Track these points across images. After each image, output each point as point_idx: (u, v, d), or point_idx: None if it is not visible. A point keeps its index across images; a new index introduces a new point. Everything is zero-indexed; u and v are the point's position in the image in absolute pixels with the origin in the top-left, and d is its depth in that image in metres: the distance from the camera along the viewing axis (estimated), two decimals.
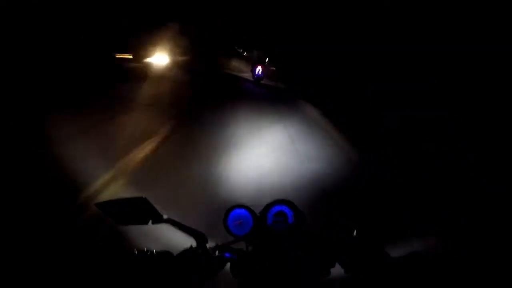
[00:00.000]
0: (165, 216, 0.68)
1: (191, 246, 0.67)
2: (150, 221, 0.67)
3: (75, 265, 1.57)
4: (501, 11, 2.95)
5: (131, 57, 8.93)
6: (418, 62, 4.20)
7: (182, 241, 0.69)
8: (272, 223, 0.74)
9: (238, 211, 0.75)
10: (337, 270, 0.67)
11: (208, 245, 0.69)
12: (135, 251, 0.62)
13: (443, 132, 3.24)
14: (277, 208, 0.76)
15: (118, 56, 8.42)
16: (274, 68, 13.42)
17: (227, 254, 0.68)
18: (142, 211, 0.66)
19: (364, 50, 6.14)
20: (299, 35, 11.44)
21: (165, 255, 0.63)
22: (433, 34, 4.03)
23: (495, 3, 3.08)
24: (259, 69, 11.53)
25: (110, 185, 2.71)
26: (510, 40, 2.77)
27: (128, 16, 8.36)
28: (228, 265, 0.69)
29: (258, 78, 11.49)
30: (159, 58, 9.26)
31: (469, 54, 3.18)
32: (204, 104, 6.12)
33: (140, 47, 8.85)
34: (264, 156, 3.77)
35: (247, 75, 12.61)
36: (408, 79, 4.40)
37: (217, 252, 0.68)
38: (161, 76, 7.93)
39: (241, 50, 16.89)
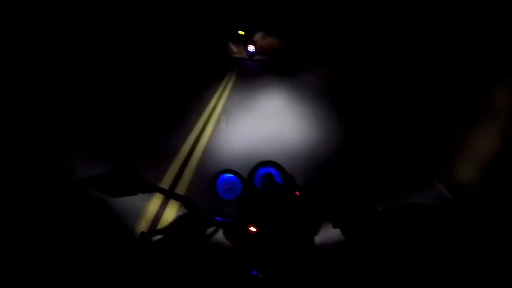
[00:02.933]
0: (153, 185, 0.69)
1: (183, 213, 0.68)
2: (140, 191, 0.68)
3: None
4: (501, 11, 2.81)
5: None
6: (419, 62, 4.12)
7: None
8: (260, 185, 0.74)
9: (226, 176, 0.75)
10: (326, 228, 0.67)
11: (199, 211, 0.69)
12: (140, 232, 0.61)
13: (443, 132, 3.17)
14: (264, 170, 0.76)
15: None
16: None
17: (218, 218, 0.68)
18: (131, 182, 0.68)
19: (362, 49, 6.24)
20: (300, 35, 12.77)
21: (159, 230, 0.63)
22: (433, 34, 3.96)
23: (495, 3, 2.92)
24: (251, 48, 16.95)
25: None
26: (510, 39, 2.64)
27: None
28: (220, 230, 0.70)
29: (251, 54, 16.83)
30: None
31: (468, 54, 3.07)
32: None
33: None
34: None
35: (243, 55, 18.06)
36: (408, 79, 4.32)
37: (208, 217, 0.69)
38: None
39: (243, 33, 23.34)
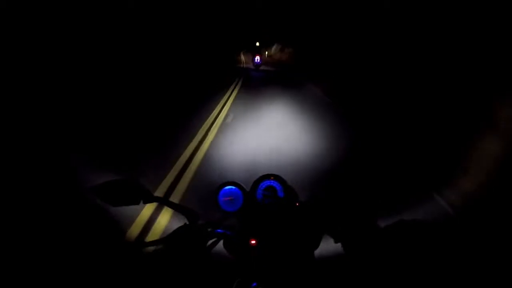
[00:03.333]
0: (155, 196, 0.70)
1: (184, 224, 0.68)
2: (142, 201, 0.69)
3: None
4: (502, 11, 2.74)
5: None
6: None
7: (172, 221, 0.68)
8: (262, 198, 0.75)
9: (228, 188, 0.76)
10: (327, 242, 0.66)
11: (200, 222, 0.70)
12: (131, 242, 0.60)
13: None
14: (266, 183, 0.76)
15: None
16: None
17: (219, 230, 0.68)
18: (133, 192, 0.68)
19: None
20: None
21: (159, 241, 0.64)
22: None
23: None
24: (257, 58, 17.97)
25: None
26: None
27: None
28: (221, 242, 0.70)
29: (257, 65, 17.86)
30: None
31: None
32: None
33: None
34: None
35: (250, 65, 19.39)
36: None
37: (209, 229, 0.69)
38: None
39: (258, 44, 25.43)
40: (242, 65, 20.77)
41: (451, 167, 2.88)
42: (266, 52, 23.11)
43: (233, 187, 0.76)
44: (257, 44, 25.84)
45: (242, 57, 26.15)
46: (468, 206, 2.35)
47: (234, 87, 8.88)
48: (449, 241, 0.60)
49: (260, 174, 0.79)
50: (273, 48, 22.88)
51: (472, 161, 2.74)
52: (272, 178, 0.77)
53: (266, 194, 0.75)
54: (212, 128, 4.39)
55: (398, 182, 2.88)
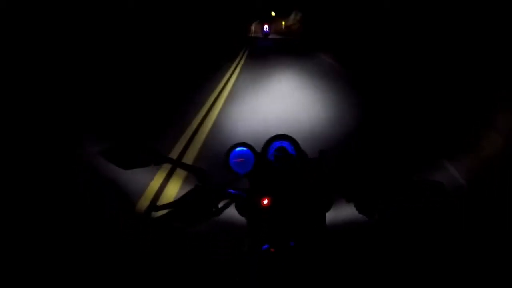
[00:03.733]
0: (165, 157, 0.70)
1: (195, 185, 0.68)
2: (153, 163, 0.69)
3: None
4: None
5: None
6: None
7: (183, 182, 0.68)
8: (274, 159, 0.74)
9: (239, 149, 0.75)
10: (339, 202, 0.66)
11: (211, 184, 0.69)
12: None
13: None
14: (277, 143, 0.75)
15: None
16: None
17: (230, 190, 0.68)
18: (144, 154, 0.69)
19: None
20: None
21: (171, 203, 0.64)
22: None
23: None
24: (266, 27, 18.18)
25: None
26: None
27: None
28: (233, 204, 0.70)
29: (266, 33, 18.02)
30: None
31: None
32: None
33: None
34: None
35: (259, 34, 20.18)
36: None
37: (221, 190, 0.69)
38: None
39: (274, 14, 27.78)
40: (251, 35, 21.16)
41: (462, 136, 2.83)
42: (283, 23, 22.47)
43: (244, 148, 0.75)
44: (273, 14, 25.64)
45: (253, 27, 25.96)
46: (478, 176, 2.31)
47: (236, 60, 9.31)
48: (457, 209, 0.54)
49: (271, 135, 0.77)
50: (291, 18, 22.01)
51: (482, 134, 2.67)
52: (283, 138, 0.76)
53: (277, 154, 0.74)
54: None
55: (408, 149, 2.87)
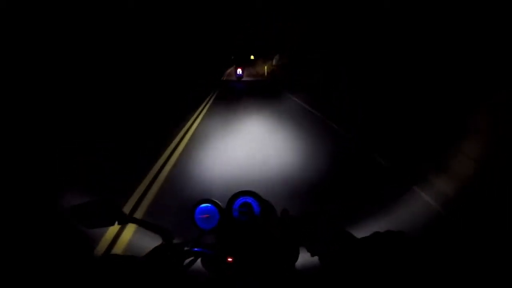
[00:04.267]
0: (130, 216, 0.70)
1: (160, 244, 0.69)
2: (116, 222, 0.68)
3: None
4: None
5: None
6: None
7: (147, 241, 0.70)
8: (238, 215, 0.75)
9: (204, 206, 0.76)
10: (304, 255, 0.67)
11: (175, 241, 0.70)
12: (99, 255, 0.60)
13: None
14: (241, 200, 0.76)
15: None
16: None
17: (196, 249, 0.68)
18: (108, 213, 0.68)
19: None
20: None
21: (132, 258, 0.62)
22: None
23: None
24: (239, 70, 19.39)
25: None
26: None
27: None
28: (199, 260, 0.70)
29: (239, 76, 19.37)
30: None
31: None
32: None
33: None
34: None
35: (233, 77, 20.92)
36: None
37: (186, 248, 0.68)
38: None
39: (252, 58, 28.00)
40: (223, 78, 21.95)
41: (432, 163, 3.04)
42: (266, 67, 22.31)
43: (209, 204, 0.76)
44: (252, 57, 26.21)
45: (228, 71, 26.16)
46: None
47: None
48: (434, 250, 0.54)
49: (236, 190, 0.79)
50: (274, 60, 21.89)
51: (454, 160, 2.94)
52: (247, 194, 0.77)
53: (242, 210, 0.75)
54: None
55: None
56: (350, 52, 7.47)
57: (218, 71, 23.45)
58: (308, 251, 0.65)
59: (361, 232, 0.63)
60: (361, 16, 6.83)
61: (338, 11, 8.50)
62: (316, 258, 0.63)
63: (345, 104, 6.63)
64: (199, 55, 16.64)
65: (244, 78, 19.54)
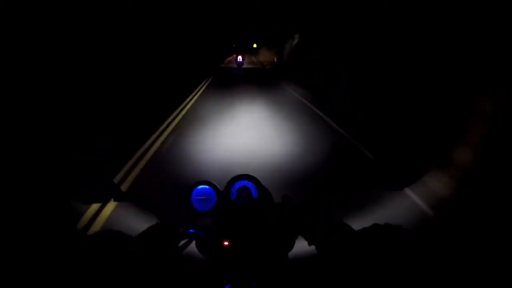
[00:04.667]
0: (126, 193, 0.69)
1: (156, 223, 0.67)
2: (113, 199, 0.67)
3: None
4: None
5: None
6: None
7: (142, 220, 0.69)
8: (236, 198, 0.74)
9: (201, 187, 0.74)
10: (301, 244, 0.66)
11: (172, 222, 0.68)
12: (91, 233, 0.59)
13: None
14: (240, 183, 0.75)
15: None
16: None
17: (191, 230, 0.67)
18: (104, 190, 0.67)
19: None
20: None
21: (125, 237, 0.61)
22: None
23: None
24: (239, 58, 19.80)
25: None
26: None
27: None
28: (194, 242, 0.69)
29: (239, 64, 19.73)
30: None
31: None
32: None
33: None
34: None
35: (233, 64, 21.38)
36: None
37: (181, 229, 0.67)
38: None
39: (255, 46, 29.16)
40: (223, 65, 22.50)
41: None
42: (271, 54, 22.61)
43: (207, 186, 0.75)
44: (254, 46, 26.57)
45: (229, 58, 26.51)
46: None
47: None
48: (422, 242, 0.55)
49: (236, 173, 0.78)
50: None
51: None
52: (246, 178, 0.76)
53: (240, 194, 0.75)
54: None
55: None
56: (350, 52, 7.48)
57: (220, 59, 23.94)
58: (305, 240, 0.65)
59: (359, 224, 0.63)
60: (361, 16, 6.84)
61: (338, 11, 8.52)
62: (312, 247, 0.63)
63: (345, 104, 6.64)
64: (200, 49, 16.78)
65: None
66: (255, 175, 0.77)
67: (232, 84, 11.74)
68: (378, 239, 0.57)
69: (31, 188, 2.04)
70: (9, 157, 2.52)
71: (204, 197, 0.74)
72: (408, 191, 2.67)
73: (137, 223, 0.77)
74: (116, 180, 2.88)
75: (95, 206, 2.12)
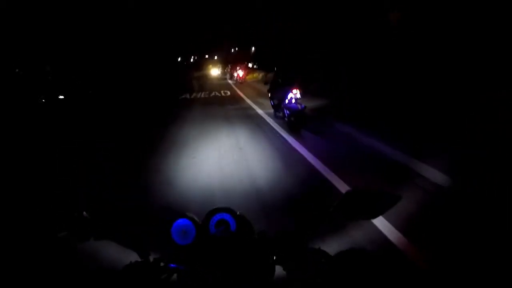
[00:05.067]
0: (107, 227, 0.70)
1: (135, 261, 0.68)
2: (92, 237, 0.68)
3: None
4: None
5: None
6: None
7: (123, 257, 0.69)
8: (215, 232, 0.75)
9: (181, 220, 0.76)
10: (279, 272, 0.68)
11: (151, 257, 0.69)
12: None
13: None
14: (218, 216, 0.76)
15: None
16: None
17: (172, 265, 0.68)
18: (84, 228, 0.68)
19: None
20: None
21: (107, 273, 0.63)
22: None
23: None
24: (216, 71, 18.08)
25: None
26: None
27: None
28: (175, 276, 0.69)
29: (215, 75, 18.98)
30: None
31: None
32: None
33: None
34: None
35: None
36: None
37: (161, 263, 0.68)
38: None
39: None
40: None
41: None
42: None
43: (186, 219, 0.76)
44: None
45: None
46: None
47: None
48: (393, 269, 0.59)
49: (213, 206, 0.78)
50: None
51: None
52: (224, 211, 0.77)
53: (218, 228, 0.75)
54: None
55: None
56: (350, 52, 7.46)
57: None
58: (284, 270, 0.67)
59: (335, 249, 0.65)
60: (361, 16, 6.83)
61: (338, 11, 8.47)
62: (290, 276, 0.65)
63: (345, 104, 6.63)
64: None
65: None
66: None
67: None
68: (352, 263, 0.59)
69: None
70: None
71: (183, 230, 0.75)
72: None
73: (118, 258, 0.78)
74: None
75: None
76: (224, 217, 0.76)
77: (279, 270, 0.68)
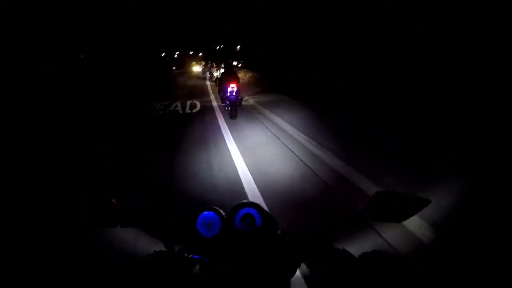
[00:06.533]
0: (134, 218, 0.71)
1: (160, 250, 0.69)
2: (119, 225, 0.69)
3: None
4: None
5: None
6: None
7: (148, 246, 0.71)
8: (240, 225, 0.75)
9: (206, 213, 0.76)
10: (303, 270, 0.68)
11: (176, 248, 0.71)
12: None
13: None
14: (244, 210, 0.77)
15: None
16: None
17: (196, 256, 0.69)
18: (111, 214, 0.69)
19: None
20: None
21: (132, 260, 0.63)
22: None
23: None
24: (197, 68, 17.87)
25: None
26: None
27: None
28: (197, 267, 0.70)
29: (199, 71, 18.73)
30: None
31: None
32: None
33: None
34: None
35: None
36: None
37: (185, 254, 0.69)
38: None
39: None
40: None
41: None
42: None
43: (211, 212, 0.76)
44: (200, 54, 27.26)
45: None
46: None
47: None
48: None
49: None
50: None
51: None
52: (250, 206, 0.77)
53: (244, 221, 0.76)
54: None
55: None
56: (350, 52, 7.46)
57: None
58: (307, 267, 0.67)
59: (359, 250, 0.65)
60: (361, 16, 6.84)
61: (338, 11, 8.50)
62: (312, 274, 0.65)
63: (345, 104, 6.63)
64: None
65: None
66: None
67: None
68: (377, 265, 0.58)
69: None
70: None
71: (208, 223, 0.75)
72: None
73: (144, 246, 0.77)
74: None
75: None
76: (250, 212, 0.76)
77: (302, 268, 0.68)
